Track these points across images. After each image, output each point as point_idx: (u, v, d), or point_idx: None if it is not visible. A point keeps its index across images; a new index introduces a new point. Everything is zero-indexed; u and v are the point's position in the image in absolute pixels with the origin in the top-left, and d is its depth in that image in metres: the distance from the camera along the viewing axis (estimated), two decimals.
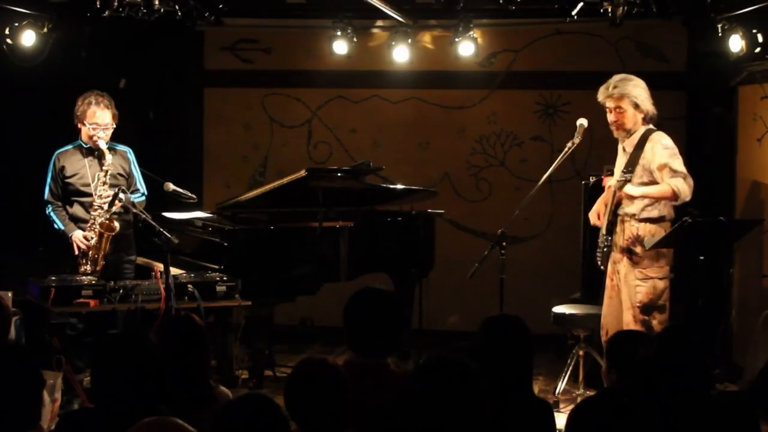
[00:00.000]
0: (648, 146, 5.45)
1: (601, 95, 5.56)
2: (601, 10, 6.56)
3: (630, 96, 5.47)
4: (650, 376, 3.24)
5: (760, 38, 6.32)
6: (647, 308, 5.44)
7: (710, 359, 5.99)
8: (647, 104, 5.50)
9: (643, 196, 5.41)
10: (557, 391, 6.24)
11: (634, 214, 5.49)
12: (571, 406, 2.93)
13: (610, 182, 5.72)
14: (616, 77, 5.57)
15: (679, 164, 5.42)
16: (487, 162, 8.34)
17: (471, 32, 7.55)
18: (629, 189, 5.39)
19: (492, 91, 8.28)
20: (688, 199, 5.41)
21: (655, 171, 5.42)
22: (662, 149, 5.41)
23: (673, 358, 3.25)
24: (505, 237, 5.83)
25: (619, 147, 5.69)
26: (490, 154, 8.34)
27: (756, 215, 6.79)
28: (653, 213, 5.47)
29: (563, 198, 7.96)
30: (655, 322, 5.45)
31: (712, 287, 6.65)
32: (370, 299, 3.68)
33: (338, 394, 3.04)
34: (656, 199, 5.43)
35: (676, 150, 5.48)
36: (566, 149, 5.73)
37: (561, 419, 3.69)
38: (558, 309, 6.48)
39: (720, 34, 6.51)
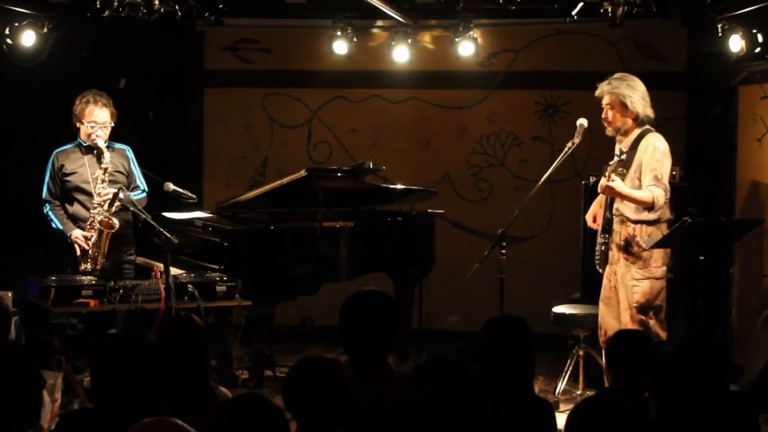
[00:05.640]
0: (642, 146, 5.48)
1: (598, 90, 5.59)
2: (601, 10, 6.56)
3: (620, 95, 5.48)
4: (670, 380, 3.19)
5: (760, 38, 6.32)
6: (644, 308, 5.46)
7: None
8: (639, 106, 5.48)
9: (624, 196, 5.41)
10: (557, 391, 6.24)
11: (629, 216, 5.50)
12: (571, 406, 2.92)
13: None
14: (617, 75, 5.59)
15: (665, 172, 5.44)
16: (487, 162, 8.34)
17: (471, 32, 7.55)
18: (618, 184, 5.37)
19: (492, 91, 8.28)
20: (659, 210, 5.44)
21: (643, 170, 5.44)
22: (654, 150, 5.44)
23: (695, 362, 3.20)
24: (505, 237, 5.83)
25: (616, 147, 5.70)
26: (490, 154, 8.34)
27: (756, 215, 6.79)
28: (651, 216, 5.47)
29: (563, 198, 7.96)
30: (651, 322, 5.46)
31: (712, 287, 6.65)
32: (365, 302, 3.67)
33: (337, 388, 3.04)
34: (634, 202, 5.43)
35: (668, 154, 5.49)
36: (566, 149, 5.74)
37: (561, 419, 3.69)
38: (558, 309, 6.48)
39: (720, 34, 6.51)
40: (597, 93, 5.59)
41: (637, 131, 5.53)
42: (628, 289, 5.49)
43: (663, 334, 5.46)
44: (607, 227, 5.59)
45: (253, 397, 2.83)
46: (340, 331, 3.63)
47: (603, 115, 5.57)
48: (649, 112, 5.53)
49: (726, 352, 7.13)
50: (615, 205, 5.57)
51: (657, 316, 5.50)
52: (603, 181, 5.41)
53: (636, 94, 5.48)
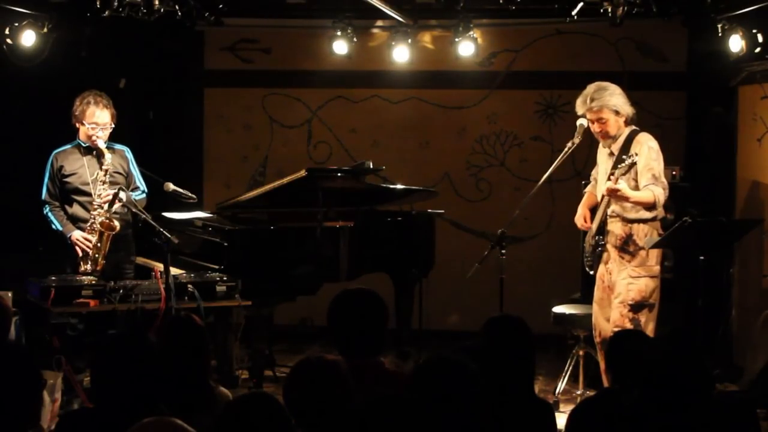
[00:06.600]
0: (635, 147, 5.51)
1: (580, 108, 5.62)
2: (601, 10, 6.56)
3: (608, 106, 5.54)
4: (653, 377, 3.23)
5: (760, 38, 6.32)
6: (637, 306, 5.48)
7: (711, 360, 6.01)
8: (626, 108, 5.58)
9: (628, 198, 5.43)
10: (557, 391, 6.24)
11: (627, 215, 5.51)
12: (571, 406, 2.93)
13: (588, 188, 5.85)
14: (591, 88, 5.60)
15: (661, 170, 5.51)
16: (487, 162, 8.34)
17: (471, 32, 7.55)
18: (623, 186, 5.38)
19: (492, 91, 8.29)
20: (660, 208, 5.47)
21: (639, 171, 5.46)
22: (648, 151, 5.48)
23: (678, 360, 3.23)
24: (505, 237, 5.84)
25: (600, 150, 5.74)
26: (490, 154, 8.34)
27: (756, 215, 6.79)
28: (648, 214, 5.49)
29: (563, 198, 7.95)
30: (643, 320, 5.47)
31: (712, 287, 6.65)
32: (352, 301, 3.68)
33: (338, 390, 3.04)
34: (637, 203, 5.45)
35: (660, 153, 5.55)
36: (566, 149, 5.76)
37: (561, 419, 3.69)
38: (558, 309, 6.48)
39: (720, 34, 6.51)
40: (580, 112, 5.63)
41: (626, 132, 5.60)
42: (622, 287, 5.51)
43: (651, 333, 5.47)
44: (602, 228, 5.61)
45: (259, 396, 2.83)
46: (329, 331, 3.64)
47: (597, 130, 5.61)
48: (632, 110, 5.62)
49: (726, 352, 7.14)
50: (611, 206, 5.58)
51: (649, 314, 5.52)
52: (609, 185, 5.41)
53: (619, 98, 5.58)
